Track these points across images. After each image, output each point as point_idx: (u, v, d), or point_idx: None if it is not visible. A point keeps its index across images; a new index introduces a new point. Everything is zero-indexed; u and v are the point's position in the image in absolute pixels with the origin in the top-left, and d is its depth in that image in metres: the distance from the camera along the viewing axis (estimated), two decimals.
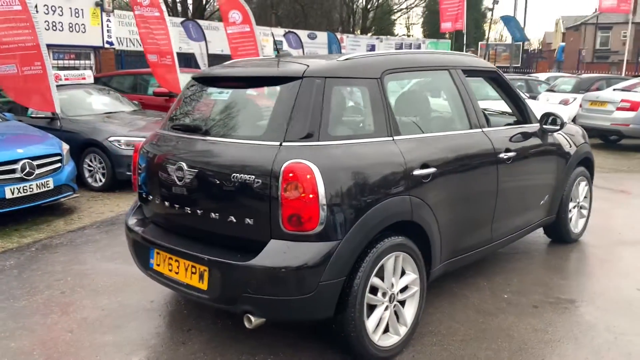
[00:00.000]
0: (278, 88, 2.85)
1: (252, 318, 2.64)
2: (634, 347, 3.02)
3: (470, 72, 3.71)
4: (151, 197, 3.18)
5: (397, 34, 42.91)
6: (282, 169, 2.53)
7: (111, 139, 7.18)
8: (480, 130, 3.53)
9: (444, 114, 3.65)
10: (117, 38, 14.08)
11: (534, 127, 4.06)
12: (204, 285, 2.79)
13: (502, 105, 4.28)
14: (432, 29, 47.93)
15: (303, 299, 2.56)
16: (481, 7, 58.17)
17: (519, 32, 26.06)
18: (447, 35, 46.84)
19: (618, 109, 10.61)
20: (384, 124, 2.92)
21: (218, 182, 2.75)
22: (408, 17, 46.46)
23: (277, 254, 2.56)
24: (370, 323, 2.78)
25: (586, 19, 51.40)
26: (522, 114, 4.11)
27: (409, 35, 46.61)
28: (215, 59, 17.49)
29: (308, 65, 2.82)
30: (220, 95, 3.20)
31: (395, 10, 37.77)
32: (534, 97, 12.72)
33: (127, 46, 14.90)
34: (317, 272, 2.54)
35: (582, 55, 46.80)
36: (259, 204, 2.61)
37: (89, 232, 5.36)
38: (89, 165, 7.34)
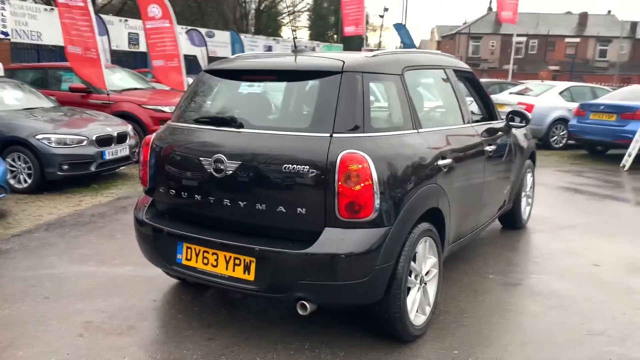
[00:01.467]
0: (317, 82, 2.95)
1: (308, 305, 2.71)
2: (614, 312, 3.50)
3: (457, 72, 4.03)
4: (174, 191, 3.11)
5: (288, 37, 43.28)
6: (339, 159, 2.64)
7: (39, 136, 6.69)
8: (471, 125, 3.87)
9: (445, 110, 3.93)
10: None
11: (501, 123, 4.49)
12: (250, 277, 2.80)
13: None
14: (317, 33, 49.20)
15: (359, 283, 2.68)
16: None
17: (408, 39, 27.56)
18: (334, 38, 48.22)
19: None
20: (410, 118, 3.12)
21: (266, 173, 2.78)
22: (294, 20, 47.22)
23: (335, 241, 2.66)
24: (409, 304, 2.97)
25: (460, 29, 55.52)
26: (490, 111, 4.53)
27: (295, 38, 47.26)
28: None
29: (344, 61, 2.94)
30: (250, 88, 3.21)
31: (288, 13, 38.18)
32: None
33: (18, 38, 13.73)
34: (373, 257, 2.68)
35: None
36: (313, 193, 2.69)
37: (40, 236, 4.99)
38: (12, 166, 6.76)
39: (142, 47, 19.90)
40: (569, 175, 8.62)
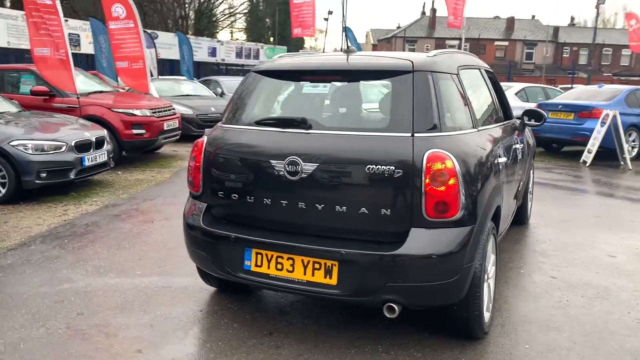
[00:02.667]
0: (388, 81, 2.92)
1: (396, 307, 2.68)
2: None
3: (487, 72, 4.12)
4: (236, 195, 2.99)
5: (236, 39, 42.79)
6: (425, 158, 2.63)
7: (14, 143, 6.25)
8: (504, 124, 3.96)
9: (487, 108, 4.00)
10: None
11: (517, 122, 4.63)
12: (332, 281, 2.74)
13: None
14: (255, 35, 48.93)
15: (447, 283, 2.68)
16: None
17: (355, 43, 27.90)
18: (271, 40, 48.07)
19: None
20: (470, 117, 3.16)
21: (347, 175, 2.73)
22: (232, 22, 46.71)
23: (424, 241, 2.64)
24: (485, 302, 3.00)
25: (396, 32, 56.74)
26: (506, 110, 4.65)
27: (232, 39, 46.79)
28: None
29: (412, 61, 2.93)
30: (315, 89, 3.13)
31: (229, 14, 37.67)
32: None
33: None
34: (460, 257, 2.68)
35: None
36: (398, 194, 2.66)
37: (39, 249, 4.66)
38: None
39: (85, 49, 19.10)
40: (539, 172, 9.00)
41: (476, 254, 2.79)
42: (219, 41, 29.69)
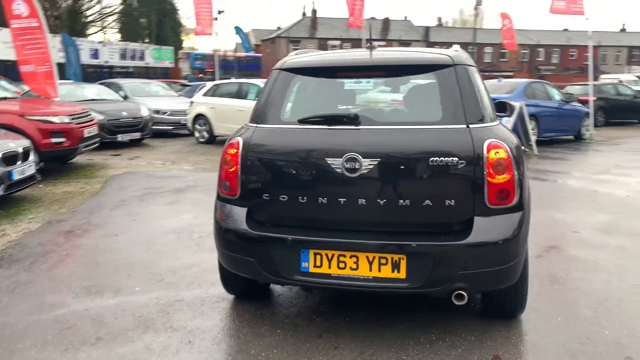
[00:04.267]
0: (431, 75, 3.00)
1: (465, 294, 2.76)
2: (634, 266, 4.12)
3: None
4: (285, 197, 2.90)
5: (112, 41, 40.27)
6: (485, 148, 2.74)
7: None
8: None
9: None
10: None
11: None
12: (400, 275, 2.76)
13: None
14: (131, 36, 46.67)
15: (510, 267, 2.81)
16: (176, 17, 59.26)
17: (247, 43, 27.71)
18: (146, 40, 46.06)
19: None
20: (492, 109, 3.32)
21: (409, 168, 2.76)
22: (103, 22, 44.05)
23: (489, 228, 2.75)
24: None
25: (279, 32, 57.04)
26: None
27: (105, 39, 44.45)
28: None
29: (450, 55, 3.03)
30: (358, 85, 3.10)
31: (106, 15, 35.56)
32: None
33: None
34: (518, 241, 2.82)
35: None
36: (461, 184, 2.75)
37: (1, 275, 4.15)
38: None
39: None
40: None
41: (527, 237, 2.95)
42: (100, 42, 27.96)
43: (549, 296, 3.60)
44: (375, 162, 2.75)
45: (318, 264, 2.84)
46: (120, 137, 11.37)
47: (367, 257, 2.79)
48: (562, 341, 3.00)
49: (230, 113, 11.73)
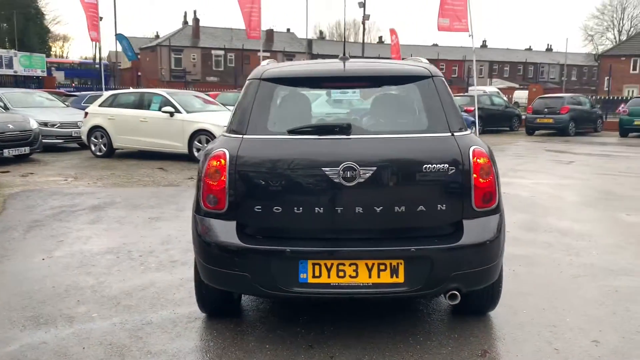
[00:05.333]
0: (413, 86, 3.12)
1: (458, 294, 2.90)
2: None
3: None
4: (279, 208, 2.85)
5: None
6: (471, 155, 2.91)
7: None
8: None
9: None
10: None
11: None
12: (399, 279, 2.83)
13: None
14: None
15: (494, 265, 2.99)
16: (43, 22, 55.39)
17: (130, 51, 26.47)
18: (7, 46, 42.51)
19: None
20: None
21: (406, 175, 2.85)
22: None
23: (477, 230, 2.91)
24: None
25: (160, 41, 55.28)
26: None
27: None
28: None
29: (425, 67, 3.19)
30: (344, 95, 3.12)
31: None
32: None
33: None
34: (500, 240, 3.01)
35: (162, 74, 50.40)
36: (452, 189, 2.89)
37: None
38: None
39: None
40: None
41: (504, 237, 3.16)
42: None
43: (508, 291, 3.85)
44: (372, 171, 2.81)
45: (317, 274, 2.83)
46: (7, 153, 10.36)
47: (367, 264, 2.83)
48: (536, 331, 3.25)
49: (132, 124, 11.19)
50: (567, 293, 3.84)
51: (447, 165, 2.86)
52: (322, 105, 3.22)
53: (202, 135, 10.49)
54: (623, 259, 4.65)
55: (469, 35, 14.52)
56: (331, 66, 3.24)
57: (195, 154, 10.56)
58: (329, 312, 3.50)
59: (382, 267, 2.83)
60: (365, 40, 68.62)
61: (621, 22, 62.35)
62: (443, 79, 3.18)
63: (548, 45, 74.19)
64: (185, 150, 10.66)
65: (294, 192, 2.87)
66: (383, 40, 64.66)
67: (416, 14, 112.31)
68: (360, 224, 2.87)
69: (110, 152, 11.61)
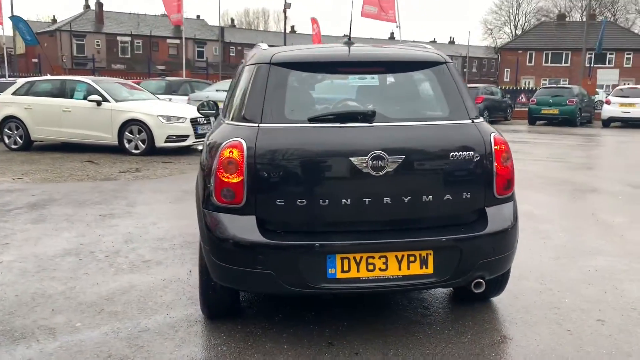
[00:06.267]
0: (429, 72, 3.05)
1: (483, 282, 2.89)
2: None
3: None
4: (304, 201, 2.69)
5: None
6: (492, 142, 2.89)
7: None
8: None
9: None
10: None
11: None
12: (428, 270, 2.77)
13: None
14: None
15: (512, 252, 3.01)
16: None
17: (30, 35, 24.43)
18: None
19: None
20: None
21: (434, 164, 2.79)
22: None
23: (499, 217, 2.91)
24: None
25: (60, 25, 51.83)
26: None
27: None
28: None
29: (437, 53, 3.14)
30: (363, 81, 2.97)
31: None
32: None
33: None
34: (517, 227, 3.03)
35: (64, 60, 47.22)
36: (477, 177, 2.86)
37: None
38: None
39: None
40: None
41: None
42: None
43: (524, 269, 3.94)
44: (400, 160, 2.71)
45: (346, 268, 2.70)
46: None
47: (396, 256, 2.74)
48: (542, 314, 3.32)
49: (53, 114, 10.34)
50: (555, 275, 3.97)
51: (472, 153, 2.83)
52: (336, 91, 3.07)
53: (133, 125, 9.89)
54: (589, 239, 4.91)
55: (397, 27, 14.79)
56: (342, 51, 3.09)
57: (126, 145, 9.95)
58: (336, 306, 3.38)
59: (411, 258, 2.75)
60: (278, 30, 68.28)
61: (517, 17, 66.61)
62: (454, 65, 3.15)
63: (451, 38, 77.51)
64: (114, 141, 10.00)
65: (319, 183, 2.72)
66: (295, 30, 64.49)
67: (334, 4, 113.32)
68: (387, 214, 2.77)
69: (28, 145, 10.66)
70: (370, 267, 2.72)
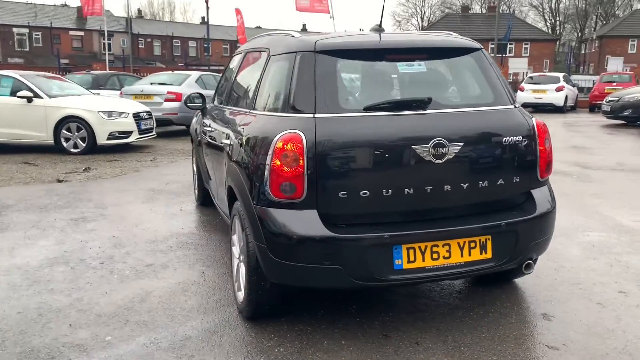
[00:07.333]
0: (469, 58, 3.07)
1: (533, 263, 2.96)
2: None
3: None
4: (367, 192, 2.61)
5: None
6: (535, 125, 2.97)
7: None
8: None
9: None
10: None
11: None
12: (487, 255, 2.80)
13: None
14: None
15: (552, 233, 3.11)
16: None
17: None
18: None
19: (166, 100, 11.93)
20: None
21: (489, 149, 2.82)
22: None
23: (544, 199, 3.00)
24: None
25: None
26: None
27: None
28: None
29: (470, 39, 3.17)
30: (410, 68, 2.91)
31: None
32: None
33: None
34: (556, 208, 3.13)
35: None
36: (525, 160, 2.92)
37: None
38: None
39: None
40: None
41: None
42: None
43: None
44: (460, 146, 2.72)
45: (412, 258, 2.67)
46: None
47: (459, 244, 2.74)
48: (568, 290, 3.47)
49: None
50: (559, 252, 4.16)
51: (521, 137, 2.89)
52: (384, 78, 3.02)
53: (71, 122, 9.21)
54: (576, 217, 5.18)
55: (330, 17, 14.82)
56: (384, 37, 3.03)
57: (64, 144, 9.26)
58: (372, 298, 3.34)
59: (472, 244, 2.77)
60: (185, 20, 66.32)
61: (423, 9, 69.14)
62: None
63: (361, 30, 79.03)
64: (50, 140, 9.26)
65: (382, 173, 2.66)
66: (205, 20, 62.87)
67: None
68: (448, 202, 2.77)
69: None
70: (435, 255, 2.70)
